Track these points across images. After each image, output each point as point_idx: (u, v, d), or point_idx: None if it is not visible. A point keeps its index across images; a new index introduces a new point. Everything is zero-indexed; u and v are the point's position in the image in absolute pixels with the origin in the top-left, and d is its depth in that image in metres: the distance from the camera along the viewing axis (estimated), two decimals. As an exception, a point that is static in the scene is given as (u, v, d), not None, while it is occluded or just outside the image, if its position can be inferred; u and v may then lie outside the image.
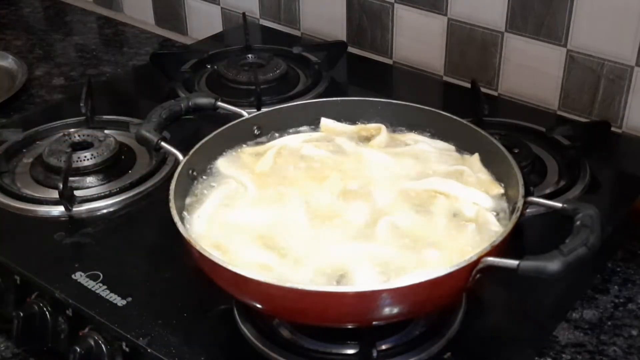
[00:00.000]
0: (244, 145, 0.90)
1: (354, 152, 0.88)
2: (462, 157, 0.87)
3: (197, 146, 0.84)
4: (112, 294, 0.82)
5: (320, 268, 0.70)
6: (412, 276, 0.67)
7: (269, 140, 0.91)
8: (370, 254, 0.72)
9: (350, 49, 1.36)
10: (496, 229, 0.75)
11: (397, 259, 0.71)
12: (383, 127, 0.91)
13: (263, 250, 0.73)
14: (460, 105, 1.10)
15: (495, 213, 0.78)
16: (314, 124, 0.93)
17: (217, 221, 0.78)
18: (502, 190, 0.80)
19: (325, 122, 0.93)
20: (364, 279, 0.69)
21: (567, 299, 0.86)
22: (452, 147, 0.89)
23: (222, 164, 0.86)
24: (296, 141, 0.90)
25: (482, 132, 0.86)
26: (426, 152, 0.88)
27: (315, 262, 0.71)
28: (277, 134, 0.92)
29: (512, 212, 0.75)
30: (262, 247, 0.73)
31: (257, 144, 0.91)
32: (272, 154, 0.87)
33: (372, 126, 0.92)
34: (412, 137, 0.91)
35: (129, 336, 0.77)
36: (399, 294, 0.65)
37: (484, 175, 0.83)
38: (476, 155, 0.85)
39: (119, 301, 0.81)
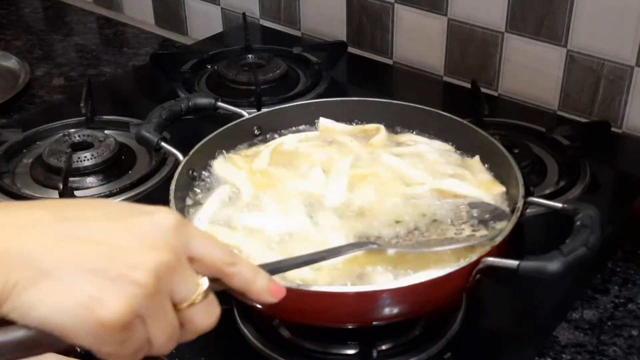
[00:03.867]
0: (241, 147, 0.90)
1: (355, 151, 0.88)
2: (461, 158, 0.87)
3: (197, 146, 0.84)
4: (112, 294, 0.82)
5: (335, 270, 0.70)
6: (413, 276, 0.67)
7: (268, 141, 0.91)
8: (382, 254, 0.71)
9: (350, 49, 1.36)
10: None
11: (408, 258, 0.71)
12: (382, 126, 0.91)
13: (269, 252, 0.73)
14: (460, 105, 1.11)
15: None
16: (314, 124, 0.93)
17: (218, 222, 0.78)
18: (503, 189, 0.80)
19: (323, 122, 0.93)
20: (380, 278, 0.69)
21: (567, 299, 0.86)
22: (451, 148, 0.89)
23: (218, 166, 0.86)
24: (293, 140, 0.90)
25: (482, 132, 0.86)
26: (426, 152, 0.87)
27: (327, 265, 0.71)
28: (277, 134, 0.92)
29: (512, 212, 0.75)
30: (268, 249, 0.73)
31: (256, 144, 0.91)
32: (268, 152, 0.87)
33: (371, 126, 0.92)
34: (411, 137, 0.91)
35: (129, 336, 0.77)
36: (399, 294, 0.65)
37: (485, 175, 0.83)
38: (477, 158, 0.85)
39: (119, 301, 0.81)
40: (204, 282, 0.49)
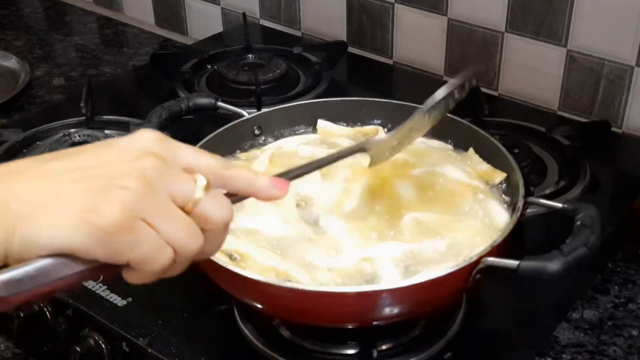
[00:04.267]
0: (240, 150, 0.89)
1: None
2: (459, 155, 0.87)
3: (197, 146, 0.84)
4: (112, 294, 0.82)
5: (345, 273, 0.70)
6: (413, 277, 0.67)
7: (268, 141, 0.91)
8: (393, 252, 0.72)
9: (350, 49, 1.36)
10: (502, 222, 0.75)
11: (420, 251, 0.71)
12: (380, 128, 0.91)
13: (278, 258, 0.72)
14: (460, 105, 1.10)
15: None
16: (314, 124, 0.93)
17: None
18: (504, 175, 0.81)
19: (322, 124, 0.92)
20: (391, 278, 0.69)
21: (567, 299, 0.86)
22: (448, 146, 0.89)
23: None
24: (292, 144, 0.90)
25: (482, 132, 0.86)
26: (424, 151, 0.87)
27: (335, 266, 0.71)
28: (277, 134, 0.92)
29: (512, 211, 0.75)
30: (275, 254, 0.73)
31: (256, 146, 0.91)
32: (267, 157, 0.86)
33: (369, 128, 0.92)
34: None
35: (129, 336, 0.77)
36: (398, 294, 0.65)
37: (484, 165, 0.83)
38: (471, 150, 0.85)
39: (119, 301, 0.81)
40: (200, 178, 0.49)
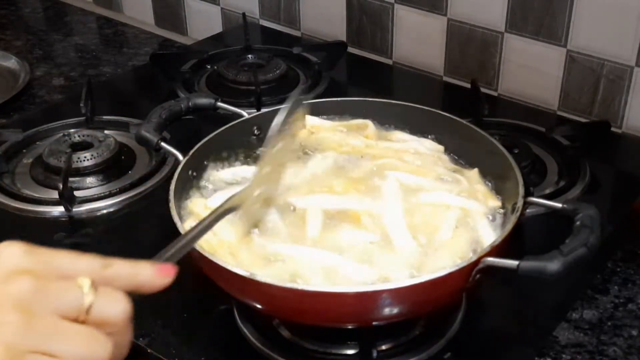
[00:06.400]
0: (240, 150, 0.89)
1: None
2: (451, 159, 0.87)
3: (197, 146, 0.84)
4: (112, 294, 0.82)
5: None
6: (414, 277, 0.67)
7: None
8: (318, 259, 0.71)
9: (350, 49, 1.36)
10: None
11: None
12: (369, 122, 0.91)
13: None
14: (460, 105, 1.11)
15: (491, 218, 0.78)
16: (314, 124, 0.93)
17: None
18: (499, 203, 0.80)
19: (311, 120, 0.92)
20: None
21: (567, 299, 0.86)
22: (441, 148, 0.88)
23: (226, 173, 0.86)
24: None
25: (482, 132, 0.85)
26: (421, 151, 0.87)
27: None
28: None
29: (512, 212, 0.75)
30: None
31: (254, 145, 0.90)
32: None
33: (358, 121, 0.92)
34: (401, 136, 0.90)
35: (129, 336, 0.77)
36: (399, 294, 0.65)
37: (481, 187, 0.82)
38: (475, 170, 0.84)
39: (119, 301, 0.81)
40: (84, 281, 0.44)
